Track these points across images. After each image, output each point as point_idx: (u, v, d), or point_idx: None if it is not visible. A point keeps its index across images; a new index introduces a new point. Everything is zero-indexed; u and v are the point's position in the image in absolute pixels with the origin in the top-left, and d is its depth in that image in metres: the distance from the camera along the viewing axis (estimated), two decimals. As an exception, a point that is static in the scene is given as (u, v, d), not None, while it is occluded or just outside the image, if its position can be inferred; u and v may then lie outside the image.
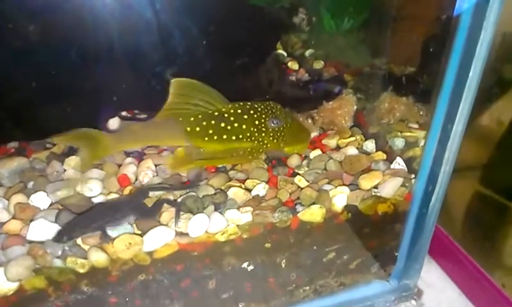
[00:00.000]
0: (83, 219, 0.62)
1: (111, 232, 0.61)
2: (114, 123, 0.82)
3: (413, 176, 0.74)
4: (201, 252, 0.63)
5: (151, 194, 0.68)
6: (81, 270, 0.58)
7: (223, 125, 0.70)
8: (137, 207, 0.65)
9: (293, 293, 0.73)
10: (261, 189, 0.69)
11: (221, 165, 0.75)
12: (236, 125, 0.70)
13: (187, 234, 0.63)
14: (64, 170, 0.73)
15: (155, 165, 0.75)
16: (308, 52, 0.97)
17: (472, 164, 1.14)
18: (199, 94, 0.69)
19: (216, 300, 0.68)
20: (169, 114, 0.68)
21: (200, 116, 0.69)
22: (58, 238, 0.59)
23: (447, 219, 1.09)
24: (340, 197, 0.69)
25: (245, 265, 0.67)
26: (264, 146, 0.72)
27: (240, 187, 0.69)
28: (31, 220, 0.62)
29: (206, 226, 0.63)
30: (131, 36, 0.80)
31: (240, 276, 0.67)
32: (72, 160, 0.74)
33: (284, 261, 0.69)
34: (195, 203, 0.65)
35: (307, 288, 0.73)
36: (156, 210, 0.65)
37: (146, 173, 0.72)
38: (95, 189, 0.69)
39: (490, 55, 1.02)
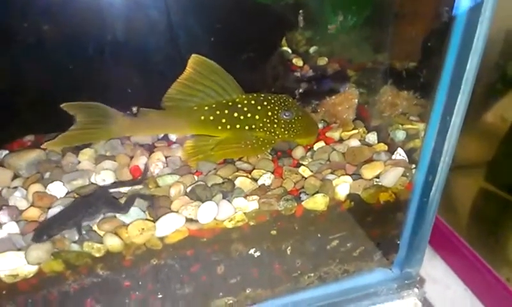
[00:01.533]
0: (60, 216, 0.64)
1: (125, 218, 0.65)
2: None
3: (413, 166, 0.77)
4: (210, 238, 0.66)
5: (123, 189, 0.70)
6: (97, 255, 0.61)
7: (236, 114, 0.72)
8: (110, 202, 0.67)
9: (298, 280, 0.75)
10: (267, 179, 0.72)
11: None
12: (249, 115, 0.73)
13: (196, 221, 0.66)
14: (79, 161, 0.77)
15: (165, 157, 0.78)
16: (312, 49, 1.00)
17: (476, 160, 1.15)
18: (215, 76, 0.72)
19: (224, 285, 0.71)
20: (182, 86, 0.70)
21: (213, 105, 0.72)
22: (37, 237, 0.60)
23: (452, 215, 1.11)
24: (343, 186, 0.71)
25: (252, 251, 0.69)
26: (276, 137, 0.75)
27: (246, 176, 0.72)
28: (49, 208, 0.66)
29: (214, 213, 0.66)
30: (139, 34, 0.84)
31: (247, 262, 0.70)
32: (86, 153, 0.78)
33: (289, 248, 0.72)
34: (204, 191, 0.68)
35: (312, 274, 0.75)
36: (129, 204, 0.66)
37: (156, 165, 0.75)
38: (107, 179, 0.72)
39: (494, 52, 1.03)
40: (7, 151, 0.77)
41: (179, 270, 0.66)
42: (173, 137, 0.84)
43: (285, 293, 0.75)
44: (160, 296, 0.67)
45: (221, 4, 0.86)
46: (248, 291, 0.73)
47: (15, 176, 0.74)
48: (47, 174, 0.73)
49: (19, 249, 0.60)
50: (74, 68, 0.78)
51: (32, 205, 0.67)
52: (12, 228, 0.63)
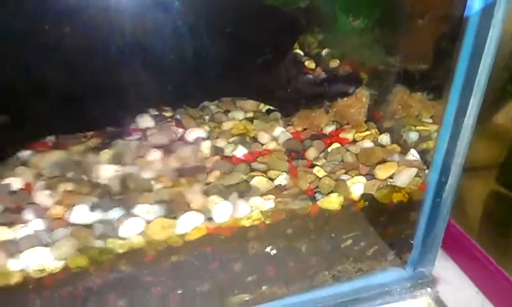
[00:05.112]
0: None
1: (147, 216, 0.67)
2: (142, 120, 0.88)
3: (426, 167, 0.78)
4: (228, 236, 0.68)
5: None
6: (120, 251, 0.64)
7: None
8: None
9: (313, 278, 0.77)
10: (282, 179, 0.74)
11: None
12: None
13: (214, 219, 0.68)
14: (99, 161, 0.79)
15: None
16: (324, 52, 1.02)
17: (487, 162, 1.16)
18: None
19: (240, 282, 0.72)
20: None
21: None
22: None
23: (463, 217, 1.11)
24: (357, 186, 0.73)
25: (268, 249, 0.71)
26: None
27: (262, 176, 0.74)
28: (73, 206, 0.69)
29: (231, 211, 0.68)
30: (151, 37, 0.86)
31: (263, 260, 0.72)
32: (106, 153, 0.80)
33: (304, 246, 0.73)
34: (220, 191, 0.70)
35: (326, 273, 0.77)
36: None
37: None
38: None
39: (504, 53, 1.04)
40: (30, 152, 0.80)
41: (198, 267, 0.68)
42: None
43: (299, 291, 0.77)
44: (179, 292, 0.69)
45: (234, 8, 0.88)
46: (263, 288, 0.75)
47: (39, 175, 0.77)
48: (70, 174, 0.76)
49: (45, 245, 0.63)
50: (93, 71, 0.80)
51: (57, 203, 0.70)
52: (38, 225, 0.65)
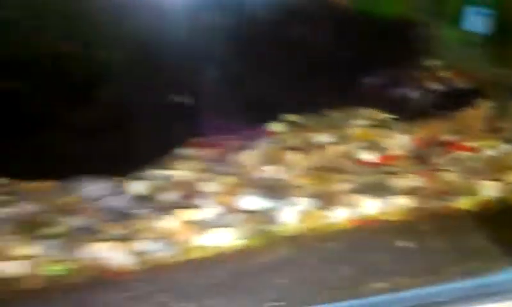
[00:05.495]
0: None
1: (303, 207, 0.78)
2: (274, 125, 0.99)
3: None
4: (371, 228, 0.78)
5: None
6: (287, 234, 0.75)
7: None
8: None
9: (439, 272, 0.84)
10: (415, 181, 0.83)
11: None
12: None
13: (362, 212, 0.79)
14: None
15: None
16: (436, 63, 1.09)
17: None
18: None
19: (378, 271, 0.81)
20: None
21: None
22: None
23: None
24: (488, 189, 0.81)
25: (405, 243, 0.80)
26: None
27: (397, 177, 0.84)
28: (236, 195, 0.80)
29: (374, 207, 0.79)
30: (285, 52, 0.98)
31: (401, 253, 0.80)
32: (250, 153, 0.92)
33: (437, 243, 0.81)
34: (369, 188, 0.81)
35: (453, 269, 0.84)
36: None
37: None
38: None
39: None
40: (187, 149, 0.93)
41: (344, 253, 0.78)
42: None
43: (427, 284, 0.84)
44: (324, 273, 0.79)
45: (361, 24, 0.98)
46: (397, 278, 0.83)
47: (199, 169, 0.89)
48: (223, 168, 0.88)
49: (224, 226, 0.76)
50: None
51: (222, 193, 0.82)
52: (214, 210, 0.78)
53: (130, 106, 0.85)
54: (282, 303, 0.75)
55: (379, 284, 0.81)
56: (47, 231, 0.75)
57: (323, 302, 0.76)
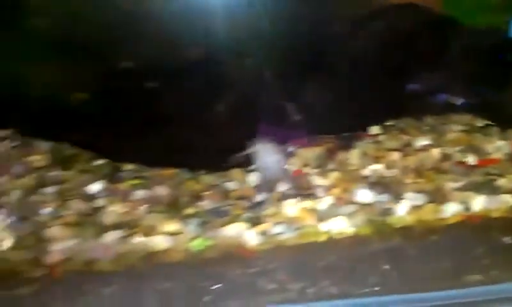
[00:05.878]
0: None
1: (414, 201, 0.85)
2: (372, 128, 1.06)
3: None
4: (478, 224, 0.84)
5: None
6: (397, 226, 0.83)
7: None
8: None
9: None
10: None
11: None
12: None
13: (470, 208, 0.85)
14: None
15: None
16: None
17: None
18: None
19: (477, 264, 0.86)
20: None
21: None
22: None
23: None
24: None
25: (507, 240, 0.84)
26: None
27: (502, 178, 0.89)
28: (346, 188, 0.89)
29: (483, 204, 0.84)
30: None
31: (500, 247, 0.85)
32: (354, 152, 1.00)
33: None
34: (472, 187, 0.87)
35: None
36: None
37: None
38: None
39: None
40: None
41: (451, 246, 0.84)
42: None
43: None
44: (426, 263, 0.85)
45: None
46: (495, 272, 0.88)
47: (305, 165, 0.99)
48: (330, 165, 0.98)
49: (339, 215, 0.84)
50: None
51: (332, 186, 0.91)
52: (328, 200, 0.87)
53: (249, 107, 0.96)
54: (377, 288, 0.83)
55: (477, 277, 0.87)
56: (185, 211, 0.88)
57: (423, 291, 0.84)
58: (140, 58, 0.95)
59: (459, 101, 1.04)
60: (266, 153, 0.93)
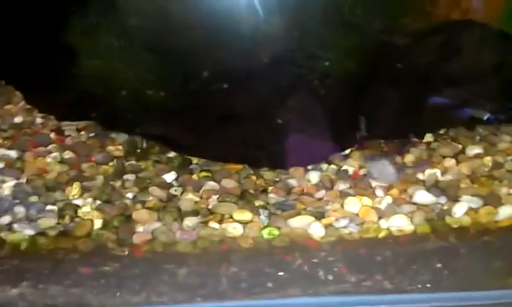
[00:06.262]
0: None
1: (471, 204, 0.91)
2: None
3: None
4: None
5: None
6: (454, 226, 0.88)
7: None
8: None
9: None
10: None
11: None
12: None
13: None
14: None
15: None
16: None
17: None
18: None
19: None
20: None
21: None
22: None
23: None
24: None
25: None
26: None
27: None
28: (406, 189, 0.96)
29: None
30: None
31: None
32: (408, 157, 1.06)
33: None
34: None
35: None
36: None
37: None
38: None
39: None
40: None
41: (501, 249, 0.89)
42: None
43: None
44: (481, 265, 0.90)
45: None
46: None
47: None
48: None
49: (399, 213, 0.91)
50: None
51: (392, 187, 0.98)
52: (388, 200, 0.94)
53: (315, 110, 1.04)
54: (429, 285, 0.89)
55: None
56: (254, 202, 0.96)
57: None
58: (215, 61, 1.04)
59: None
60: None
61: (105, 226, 0.90)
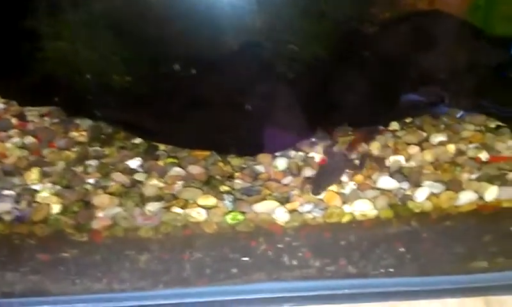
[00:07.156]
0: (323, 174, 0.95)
1: (432, 189, 0.92)
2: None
3: None
4: (489, 213, 0.91)
5: None
6: (416, 210, 0.89)
7: None
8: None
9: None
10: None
11: None
12: None
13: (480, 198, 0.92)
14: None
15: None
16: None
17: None
18: None
19: (483, 251, 0.92)
20: None
21: None
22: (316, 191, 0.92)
23: None
24: None
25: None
26: None
27: None
28: (371, 176, 0.97)
29: (494, 194, 0.91)
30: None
31: (509, 237, 0.92)
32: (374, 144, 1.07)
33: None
34: (486, 179, 0.94)
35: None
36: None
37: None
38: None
39: None
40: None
41: (462, 232, 0.91)
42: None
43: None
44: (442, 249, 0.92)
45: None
46: (500, 259, 0.94)
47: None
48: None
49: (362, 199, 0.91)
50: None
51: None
52: (353, 186, 0.94)
53: (284, 96, 1.03)
54: (392, 269, 0.90)
55: (483, 263, 0.93)
56: (219, 188, 0.94)
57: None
58: (181, 46, 1.02)
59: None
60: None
61: (64, 211, 0.88)
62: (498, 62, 1.15)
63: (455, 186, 0.93)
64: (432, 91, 1.15)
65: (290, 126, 1.03)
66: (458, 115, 1.14)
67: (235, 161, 1.03)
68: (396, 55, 1.08)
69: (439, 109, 1.16)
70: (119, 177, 0.94)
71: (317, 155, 1.03)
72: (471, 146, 1.04)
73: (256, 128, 1.03)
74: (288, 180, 0.97)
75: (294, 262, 0.89)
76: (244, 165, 1.02)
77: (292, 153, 1.05)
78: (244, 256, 0.90)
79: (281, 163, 1.01)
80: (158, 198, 0.91)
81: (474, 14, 1.20)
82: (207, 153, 1.05)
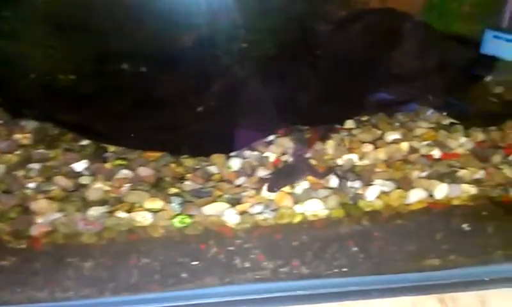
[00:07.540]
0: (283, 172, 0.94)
1: (383, 188, 0.91)
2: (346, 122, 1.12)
3: None
4: (440, 210, 0.91)
5: None
6: (367, 209, 0.89)
7: None
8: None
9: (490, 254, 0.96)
10: (479, 174, 0.96)
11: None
12: None
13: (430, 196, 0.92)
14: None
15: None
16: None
17: None
18: None
19: (436, 249, 0.92)
20: None
21: None
22: (270, 189, 0.90)
23: None
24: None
25: (464, 226, 0.92)
26: None
27: (462, 170, 0.97)
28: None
29: (446, 192, 0.91)
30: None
31: (459, 234, 0.93)
32: (329, 143, 1.06)
33: (493, 227, 0.93)
34: (436, 177, 0.94)
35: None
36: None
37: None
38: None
39: None
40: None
41: (414, 230, 0.91)
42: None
43: (479, 263, 0.94)
44: (394, 248, 0.91)
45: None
46: (452, 257, 0.95)
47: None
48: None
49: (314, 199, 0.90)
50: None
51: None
52: (305, 185, 0.93)
53: (238, 95, 1.01)
54: (346, 269, 0.89)
55: (435, 261, 0.94)
56: (168, 191, 0.91)
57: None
58: (130, 43, 0.98)
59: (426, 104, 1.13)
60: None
61: (0, 217, 0.84)
62: (456, 60, 1.18)
63: (405, 184, 0.93)
64: (400, 90, 1.16)
65: (245, 126, 1.01)
66: (412, 108, 1.16)
67: (189, 162, 1.01)
68: (350, 53, 1.08)
69: (408, 107, 1.17)
70: (61, 181, 0.90)
71: (272, 155, 1.02)
72: (424, 143, 1.06)
73: (209, 128, 1.01)
74: (241, 180, 0.95)
75: (247, 264, 0.88)
76: (197, 166, 1.00)
77: (247, 153, 1.04)
78: (194, 260, 0.87)
79: (235, 163, 0.99)
80: (102, 202, 0.87)
81: (429, 13, 1.22)
82: (159, 154, 1.02)
